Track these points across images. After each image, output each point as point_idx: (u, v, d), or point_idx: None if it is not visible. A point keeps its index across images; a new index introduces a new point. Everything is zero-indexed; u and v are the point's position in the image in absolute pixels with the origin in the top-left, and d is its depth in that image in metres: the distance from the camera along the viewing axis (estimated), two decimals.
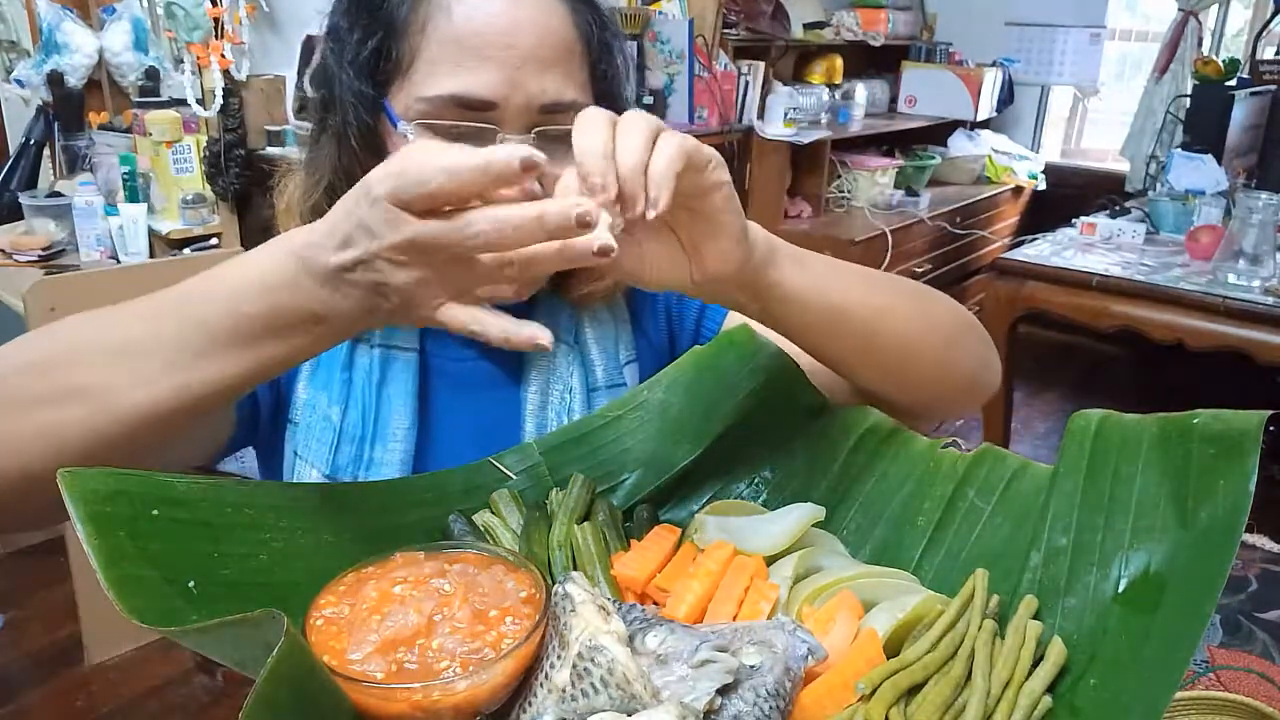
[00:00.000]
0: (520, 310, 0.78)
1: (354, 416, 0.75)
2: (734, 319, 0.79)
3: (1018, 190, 4.46)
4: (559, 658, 0.49)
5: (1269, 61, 3.56)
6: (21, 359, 0.56)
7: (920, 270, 3.86)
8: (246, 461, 0.85)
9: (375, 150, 0.71)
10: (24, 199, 2.18)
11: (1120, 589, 0.53)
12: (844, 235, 3.52)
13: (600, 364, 0.81)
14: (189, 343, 0.52)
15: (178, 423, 0.55)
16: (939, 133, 4.40)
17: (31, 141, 2.35)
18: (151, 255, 2.11)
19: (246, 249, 0.73)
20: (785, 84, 3.86)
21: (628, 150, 0.51)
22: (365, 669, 0.47)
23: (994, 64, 4.36)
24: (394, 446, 0.75)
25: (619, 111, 0.78)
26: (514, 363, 0.81)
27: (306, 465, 0.75)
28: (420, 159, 0.46)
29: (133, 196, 2.15)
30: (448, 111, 0.67)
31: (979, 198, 4.22)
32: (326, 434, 0.75)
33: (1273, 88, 3.36)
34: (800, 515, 0.63)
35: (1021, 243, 2.92)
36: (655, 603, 0.60)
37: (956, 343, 0.72)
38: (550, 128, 0.68)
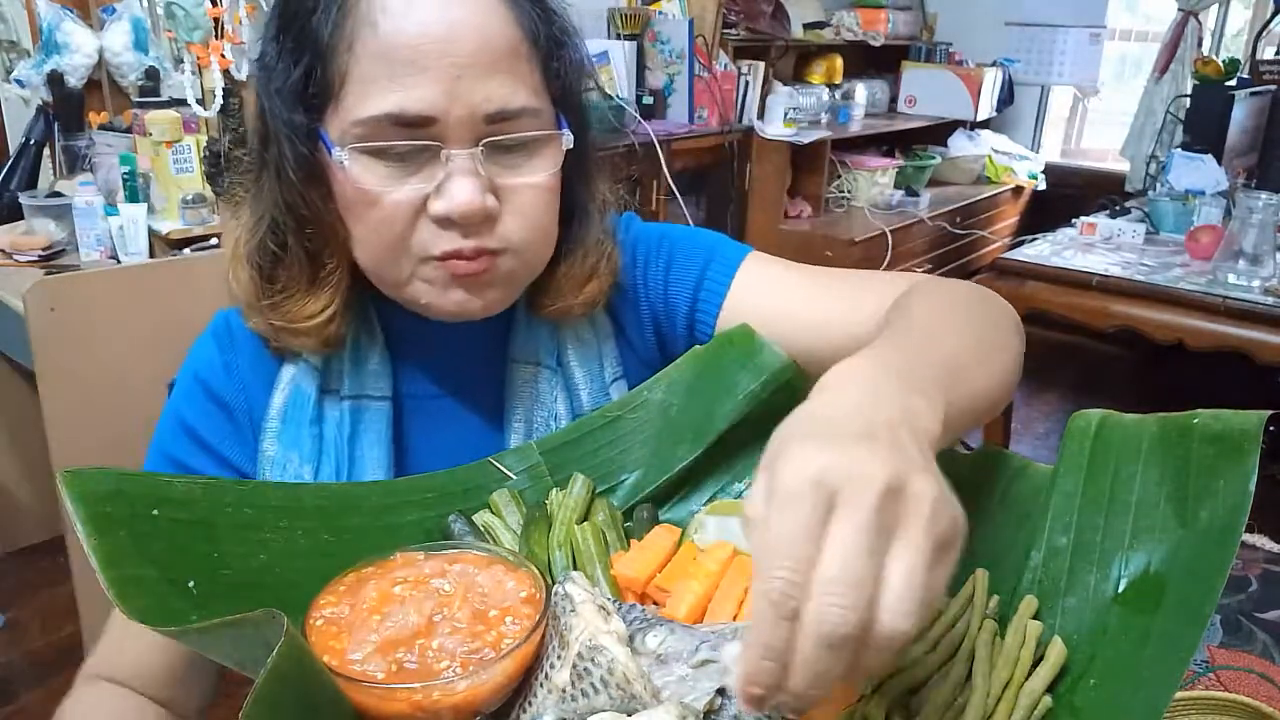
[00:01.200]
0: (498, 330, 0.76)
1: (327, 473, 0.71)
2: (729, 318, 0.77)
3: (1018, 190, 4.46)
4: (559, 658, 0.49)
5: (1269, 61, 3.56)
6: None
7: (920, 270, 3.86)
8: None
9: (316, 182, 0.67)
10: (24, 199, 2.18)
11: (1120, 589, 0.53)
12: (844, 235, 3.52)
13: (585, 387, 0.77)
14: None
15: None
16: (939, 133, 4.40)
17: (31, 141, 2.35)
18: (151, 255, 2.10)
19: None
20: (785, 84, 3.86)
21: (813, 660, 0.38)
22: (365, 669, 0.47)
23: (994, 64, 4.36)
24: None
25: (582, 114, 0.74)
26: (495, 394, 0.77)
27: None
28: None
29: (133, 196, 2.15)
30: (386, 132, 0.63)
31: (979, 198, 4.22)
32: None
33: (1273, 88, 3.36)
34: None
35: (1021, 243, 2.92)
36: (655, 603, 0.60)
37: (1017, 365, 0.65)
38: (499, 138, 0.65)
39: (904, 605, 0.38)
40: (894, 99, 4.48)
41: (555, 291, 0.75)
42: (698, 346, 0.74)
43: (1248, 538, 1.30)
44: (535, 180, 0.68)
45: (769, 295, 0.76)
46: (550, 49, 0.68)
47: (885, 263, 3.61)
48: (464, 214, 0.64)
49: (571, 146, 0.70)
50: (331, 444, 0.72)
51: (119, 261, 2.08)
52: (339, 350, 0.73)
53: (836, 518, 0.39)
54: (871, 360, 0.49)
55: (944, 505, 0.40)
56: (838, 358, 0.70)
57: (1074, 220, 2.98)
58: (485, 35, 0.63)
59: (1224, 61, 3.35)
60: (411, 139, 0.63)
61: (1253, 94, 3.26)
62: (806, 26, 3.92)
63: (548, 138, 0.68)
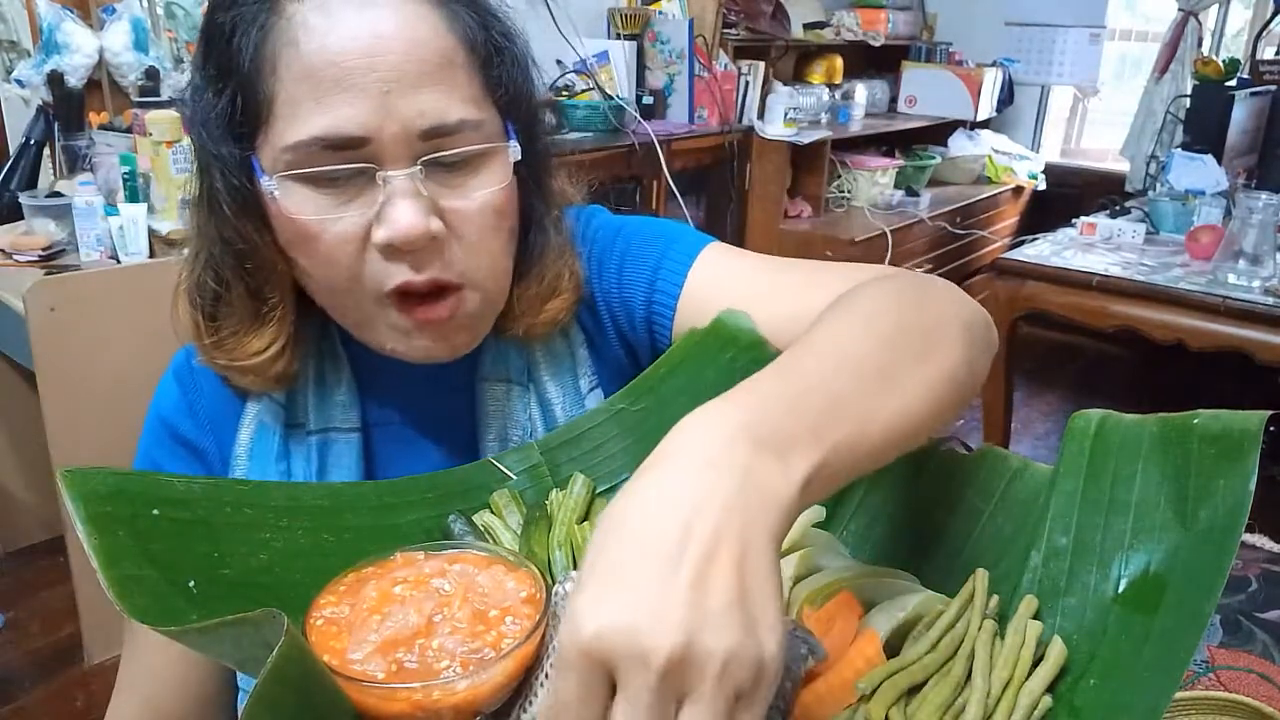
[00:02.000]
0: (466, 355, 0.71)
1: None
2: (685, 317, 0.72)
3: (1018, 190, 4.46)
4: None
5: (1269, 61, 3.56)
6: None
7: (920, 271, 3.85)
8: None
9: (252, 215, 0.63)
10: (24, 199, 2.18)
11: (1120, 589, 0.53)
12: (844, 235, 3.52)
13: (559, 401, 0.74)
14: None
15: None
16: (939, 133, 4.40)
17: (31, 141, 2.35)
18: (151, 255, 2.10)
19: None
20: (785, 84, 3.86)
21: None
22: (365, 669, 0.47)
23: (994, 64, 4.36)
24: None
25: (532, 120, 0.69)
26: (467, 416, 0.74)
27: None
28: None
29: (133, 196, 2.15)
30: (317, 157, 0.59)
31: (979, 198, 4.22)
32: None
33: (1273, 88, 3.36)
34: (800, 515, 0.63)
35: (1021, 243, 2.92)
36: None
37: (978, 368, 0.59)
38: (439, 154, 0.61)
39: None
40: (894, 99, 4.48)
41: (515, 314, 0.71)
42: (693, 332, 0.71)
43: (1248, 538, 1.30)
44: (482, 199, 0.63)
45: (724, 289, 0.71)
46: (489, 54, 0.64)
47: (885, 263, 3.61)
48: (407, 239, 0.60)
49: (520, 158, 0.65)
50: (300, 480, 0.69)
51: (119, 261, 2.08)
52: (296, 385, 0.71)
53: (617, 701, 0.36)
54: (718, 414, 0.44)
55: (740, 653, 0.36)
56: None
57: (1074, 220, 2.98)
58: (414, 45, 0.59)
59: (1224, 61, 3.35)
60: (345, 162, 0.59)
61: (1253, 94, 3.26)
62: (806, 26, 3.93)
63: (493, 151, 0.64)
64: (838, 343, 0.52)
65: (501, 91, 0.65)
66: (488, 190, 0.64)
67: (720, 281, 0.72)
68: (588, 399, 0.75)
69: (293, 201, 0.60)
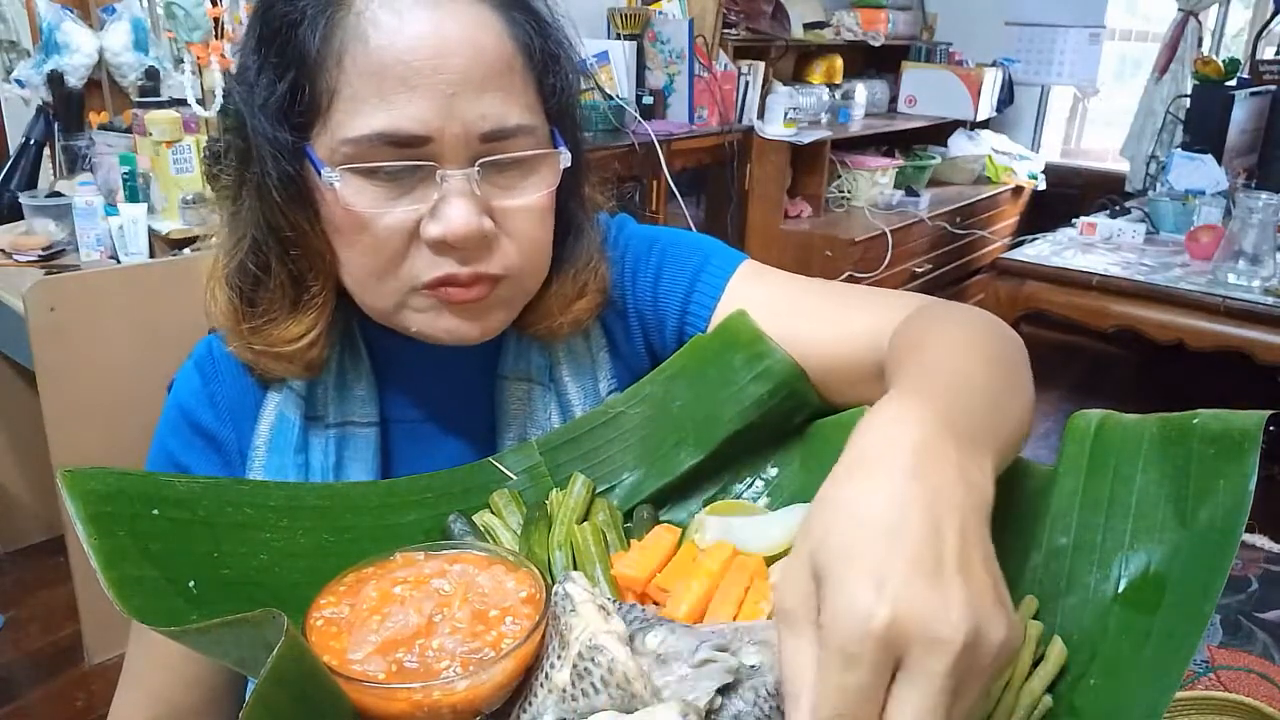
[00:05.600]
0: (488, 348, 0.73)
1: None
2: (719, 316, 0.74)
3: (1018, 190, 4.46)
4: (559, 657, 0.49)
5: (1269, 61, 3.56)
6: None
7: (920, 270, 3.86)
8: None
9: (302, 202, 0.64)
10: (24, 199, 2.18)
11: (1120, 589, 0.53)
12: (844, 235, 3.52)
13: (579, 403, 0.75)
14: None
15: None
16: (939, 133, 4.41)
17: (31, 141, 2.35)
18: (151, 255, 2.10)
19: None
20: (785, 84, 3.87)
21: None
22: (365, 669, 0.47)
23: (994, 64, 4.36)
24: None
25: (578, 130, 0.71)
26: (486, 413, 0.75)
27: None
28: None
29: (133, 196, 2.15)
30: (378, 152, 0.60)
31: (979, 198, 4.22)
32: None
33: (1273, 88, 3.37)
34: (800, 515, 0.62)
35: (1021, 243, 2.92)
36: (655, 603, 0.60)
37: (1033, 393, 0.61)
38: (496, 157, 0.62)
39: None
40: (894, 99, 4.48)
41: (544, 311, 0.72)
42: (699, 336, 0.72)
43: (1248, 538, 1.30)
44: (532, 201, 0.65)
45: (759, 309, 0.73)
46: (545, 63, 0.66)
47: (885, 263, 3.61)
48: (461, 238, 0.62)
49: (569, 165, 0.67)
50: (318, 473, 0.70)
51: (119, 261, 2.08)
52: (322, 376, 0.71)
53: (906, 685, 0.37)
54: (914, 411, 0.44)
55: (1011, 642, 0.38)
56: (826, 379, 0.69)
57: (1074, 220, 2.99)
58: (478, 50, 0.61)
59: (1224, 61, 3.35)
60: (404, 159, 0.61)
61: (1253, 94, 3.27)
62: (806, 26, 3.93)
63: (544, 156, 0.66)
64: (957, 358, 0.54)
65: (554, 99, 0.67)
66: (537, 193, 0.66)
67: (754, 300, 0.74)
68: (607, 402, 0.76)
69: (349, 194, 0.62)
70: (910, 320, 0.63)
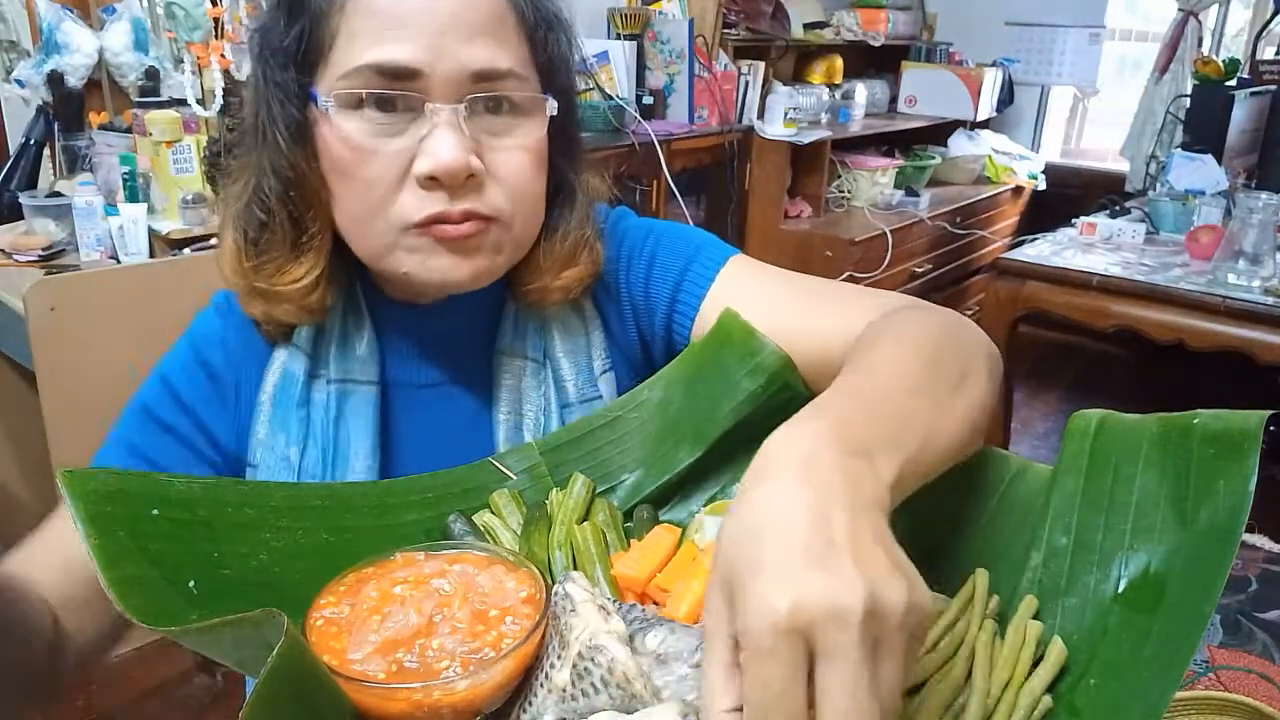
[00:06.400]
0: (486, 321, 0.77)
1: (313, 456, 0.72)
2: (706, 320, 0.75)
3: (1018, 190, 4.46)
4: (559, 657, 0.49)
5: (1269, 61, 3.56)
6: None
7: (920, 270, 3.86)
8: None
9: (303, 143, 0.68)
10: (24, 199, 2.18)
11: (1120, 589, 0.53)
12: (844, 235, 3.52)
13: (571, 379, 0.77)
14: None
15: None
16: (939, 133, 4.40)
17: (31, 141, 2.35)
18: (151, 255, 2.10)
19: None
20: (785, 84, 3.86)
21: None
22: (365, 669, 0.47)
23: (994, 64, 4.36)
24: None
25: (568, 95, 0.75)
26: (483, 386, 0.77)
27: None
28: None
29: (133, 196, 2.15)
30: (371, 80, 0.64)
31: (979, 198, 4.22)
32: (285, 475, 0.72)
33: (1273, 88, 3.36)
34: None
35: (1021, 243, 2.92)
36: (655, 603, 0.60)
37: (986, 402, 0.62)
38: (483, 94, 0.66)
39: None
40: (894, 99, 4.48)
41: (535, 269, 0.75)
42: (696, 342, 0.74)
43: (1248, 538, 1.30)
44: (520, 144, 0.68)
45: (746, 301, 0.74)
46: (538, 24, 0.70)
47: (885, 263, 3.61)
48: (447, 169, 0.64)
49: (555, 114, 0.70)
50: (318, 426, 0.73)
51: (119, 261, 2.07)
52: (326, 335, 0.74)
53: (825, 665, 0.37)
54: (808, 426, 0.46)
55: (915, 601, 0.40)
56: (807, 374, 0.71)
57: (1074, 220, 2.98)
58: (473, 2, 0.65)
59: (1224, 61, 3.35)
60: (397, 89, 0.64)
61: (1253, 94, 3.26)
62: (806, 26, 3.93)
63: (532, 104, 0.69)
64: (893, 366, 0.56)
65: (544, 59, 0.71)
66: (526, 138, 0.69)
67: (743, 294, 0.76)
68: (600, 381, 0.78)
69: (345, 126, 0.65)
70: (874, 323, 0.65)
